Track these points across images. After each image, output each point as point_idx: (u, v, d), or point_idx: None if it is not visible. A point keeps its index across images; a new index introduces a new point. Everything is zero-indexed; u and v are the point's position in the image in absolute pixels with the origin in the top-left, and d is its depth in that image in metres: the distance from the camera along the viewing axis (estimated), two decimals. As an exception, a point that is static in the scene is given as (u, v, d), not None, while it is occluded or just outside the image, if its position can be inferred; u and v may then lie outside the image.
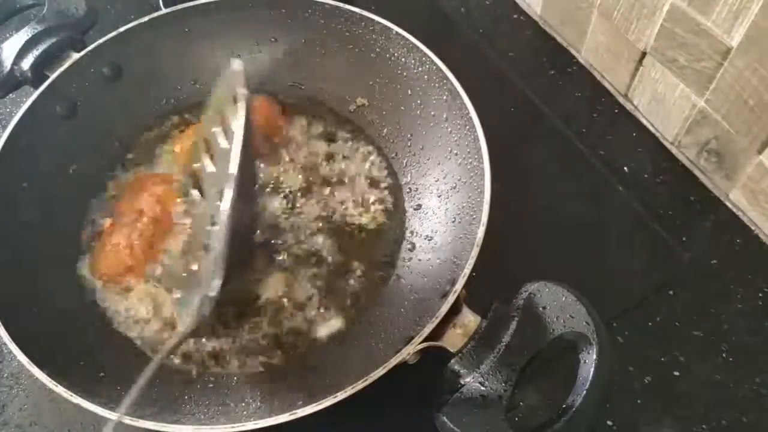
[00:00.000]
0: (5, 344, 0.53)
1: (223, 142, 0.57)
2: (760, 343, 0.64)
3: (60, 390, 0.51)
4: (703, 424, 0.61)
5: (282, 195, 0.70)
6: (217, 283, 0.52)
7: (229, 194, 0.52)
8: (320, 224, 0.68)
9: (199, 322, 0.53)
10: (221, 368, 0.61)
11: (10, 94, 0.72)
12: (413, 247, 0.66)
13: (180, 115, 0.75)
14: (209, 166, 0.59)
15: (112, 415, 0.49)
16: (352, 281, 0.65)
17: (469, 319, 0.53)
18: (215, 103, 0.60)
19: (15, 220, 0.62)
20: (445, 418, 0.50)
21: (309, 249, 0.67)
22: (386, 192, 0.70)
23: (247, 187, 0.61)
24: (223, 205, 0.52)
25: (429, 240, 0.65)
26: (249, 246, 0.66)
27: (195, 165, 0.61)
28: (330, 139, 0.74)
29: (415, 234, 0.67)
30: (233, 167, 0.53)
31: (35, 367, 0.52)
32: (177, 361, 0.61)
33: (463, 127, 0.64)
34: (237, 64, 0.59)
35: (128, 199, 0.67)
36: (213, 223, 0.57)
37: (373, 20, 0.70)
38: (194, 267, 0.58)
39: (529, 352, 0.51)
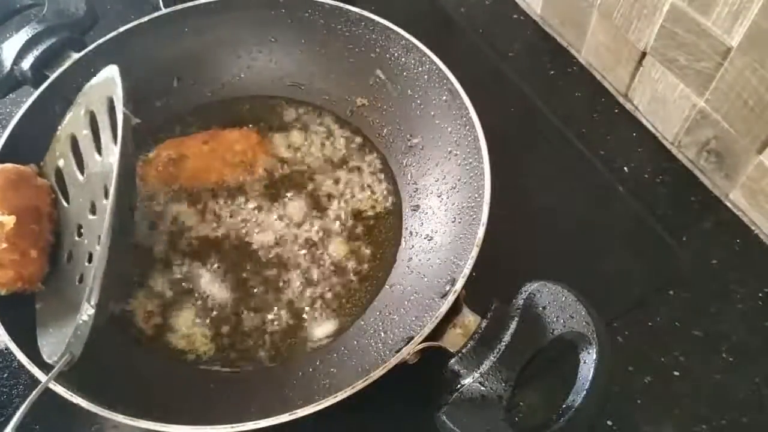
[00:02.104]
0: (5, 344, 0.53)
1: (94, 156, 0.56)
2: (760, 343, 0.64)
3: (60, 390, 0.51)
4: (703, 424, 0.60)
5: (281, 196, 0.70)
6: (90, 310, 0.49)
7: (107, 230, 0.50)
8: (319, 224, 0.68)
9: (71, 358, 0.51)
10: (221, 368, 0.61)
11: (10, 94, 0.72)
12: (413, 248, 0.66)
13: (179, 115, 0.75)
14: (78, 175, 0.58)
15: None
16: (351, 281, 0.65)
17: (469, 319, 0.53)
18: (86, 103, 0.59)
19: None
20: (445, 418, 0.50)
21: (308, 249, 0.67)
22: (386, 192, 0.70)
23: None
24: (101, 240, 0.50)
25: (429, 240, 0.65)
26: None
27: (59, 163, 0.60)
28: (330, 139, 0.74)
29: (414, 234, 0.67)
30: (109, 208, 0.50)
31: (35, 367, 0.52)
32: (177, 361, 0.61)
33: (463, 127, 0.64)
34: (112, 72, 0.57)
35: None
36: (80, 233, 0.56)
37: (373, 20, 0.70)
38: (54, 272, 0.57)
39: (529, 352, 0.51)
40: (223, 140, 0.71)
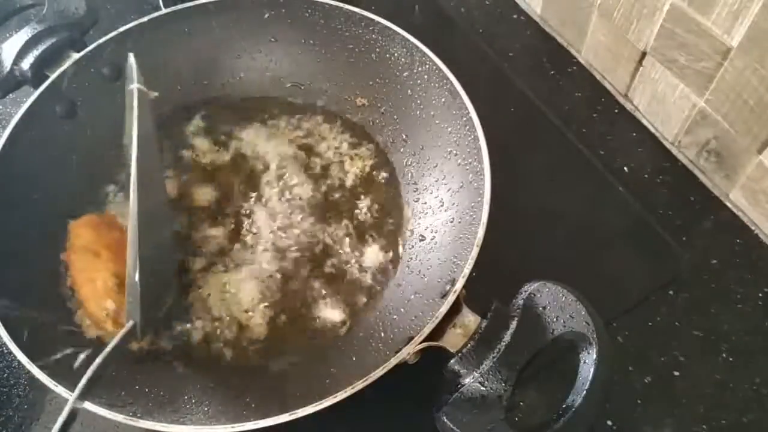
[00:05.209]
0: (5, 344, 0.53)
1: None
2: (760, 343, 0.64)
3: (60, 390, 0.51)
4: (703, 424, 0.61)
5: (285, 196, 0.70)
6: (132, 324, 0.52)
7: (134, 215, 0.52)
8: (319, 225, 0.68)
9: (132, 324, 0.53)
10: (221, 368, 0.61)
11: (10, 94, 0.72)
12: (413, 247, 0.66)
13: (179, 116, 0.75)
14: None
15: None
16: (351, 282, 0.65)
17: (469, 319, 0.53)
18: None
19: (16, 220, 0.62)
20: (445, 418, 0.50)
21: (308, 249, 0.67)
22: (385, 192, 0.70)
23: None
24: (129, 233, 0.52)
25: (429, 240, 0.65)
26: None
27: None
28: (330, 139, 0.74)
29: (414, 234, 0.67)
30: (132, 169, 0.53)
31: (35, 367, 0.52)
32: (176, 360, 0.61)
33: (463, 127, 0.64)
34: (130, 58, 0.61)
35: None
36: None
37: (373, 20, 0.70)
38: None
39: (529, 352, 0.51)
40: None
